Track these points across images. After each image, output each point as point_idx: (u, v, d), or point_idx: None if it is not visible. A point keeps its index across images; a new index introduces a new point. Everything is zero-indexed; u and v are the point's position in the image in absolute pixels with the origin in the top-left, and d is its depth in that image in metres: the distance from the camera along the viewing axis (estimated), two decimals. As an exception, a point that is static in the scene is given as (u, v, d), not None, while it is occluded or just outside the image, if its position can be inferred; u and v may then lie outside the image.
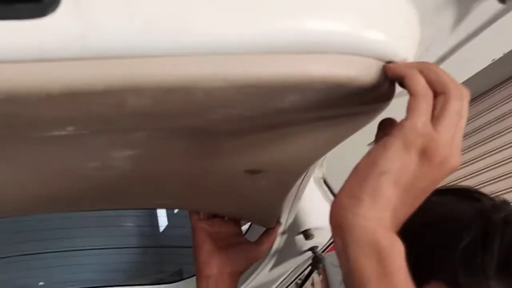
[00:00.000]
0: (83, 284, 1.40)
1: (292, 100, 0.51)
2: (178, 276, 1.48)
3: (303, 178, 1.00)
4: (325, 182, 1.11)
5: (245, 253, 0.97)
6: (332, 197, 1.15)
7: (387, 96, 0.58)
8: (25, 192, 0.73)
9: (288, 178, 0.87)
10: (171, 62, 0.42)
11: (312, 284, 4.94)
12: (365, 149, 0.56)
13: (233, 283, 0.94)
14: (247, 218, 1.08)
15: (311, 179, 1.09)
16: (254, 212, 1.02)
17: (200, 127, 0.59)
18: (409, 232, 0.50)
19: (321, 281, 4.78)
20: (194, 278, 1.44)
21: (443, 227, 0.69)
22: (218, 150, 0.69)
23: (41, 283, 1.34)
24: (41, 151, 0.58)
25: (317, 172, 1.10)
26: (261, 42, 0.45)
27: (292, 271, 1.31)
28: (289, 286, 1.38)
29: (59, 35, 0.36)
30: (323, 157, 1.07)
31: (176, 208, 1.02)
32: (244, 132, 0.62)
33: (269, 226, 1.06)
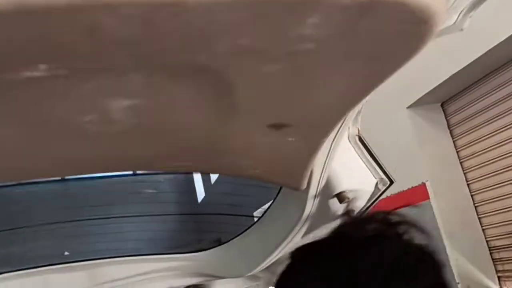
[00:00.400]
0: (122, 252, 1.37)
1: (316, 23, 0.41)
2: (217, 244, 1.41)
3: (336, 135, 0.89)
4: (360, 139, 1.01)
5: None
6: (368, 156, 1.04)
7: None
8: (26, 154, 0.66)
9: (317, 134, 0.77)
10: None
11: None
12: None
13: None
14: (274, 180, 0.99)
15: (345, 137, 0.99)
16: (282, 173, 0.92)
17: (208, 69, 0.49)
18: None
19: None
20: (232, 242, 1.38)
21: None
22: (234, 101, 0.59)
23: (66, 253, 1.31)
24: (30, 101, 0.50)
25: (352, 129, 0.99)
26: None
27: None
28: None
29: None
30: (357, 110, 0.96)
31: (196, 171, 0.93)
32: (261, 77, 0.52)
33: (299, 188, 0.97)
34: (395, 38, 0.48)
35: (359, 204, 1.09)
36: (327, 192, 1.03)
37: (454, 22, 0.71)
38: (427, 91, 3.74)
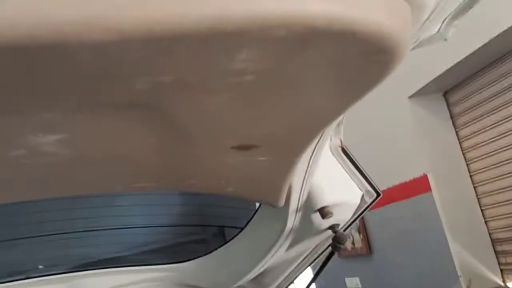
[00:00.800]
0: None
1: (248, 58, 0.34)
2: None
3: (314, 151, 0.83)
4: (344, 151, 0.94)
5: None
6: (353, 167, 0.97)
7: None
8: None
9: (289, 153, 0.70)
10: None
11: (353, 243, 4.81)
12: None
13: None
14: (249, 198, 0.92)
15: (327, 149, 0.92)
16: (256, 191, 0.86)
17: (139, 104, 0.43)
18: None
19: (362, 240, 4.64)
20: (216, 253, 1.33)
21: None
22: (184, 129, 0.53)
23: (40, 266, 1.26)
24: None
25: (334, 140, 0.92)
26: None
27: (311, 251, 1.16)
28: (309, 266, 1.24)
29: None
30: (338, 121, 0.89)
31: (163, 190, 0.87)
32: (207, 106, 0.46)
33: (277, 205, 0.90)
34: (352, 67, 0.41)
35: (344, 217, 1.03)
36: (309, 206, 0.97)
37: (438, 31, 0.63)
38: (429, 80, 3.65)
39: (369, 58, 0.38)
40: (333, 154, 0.94)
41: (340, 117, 0.88)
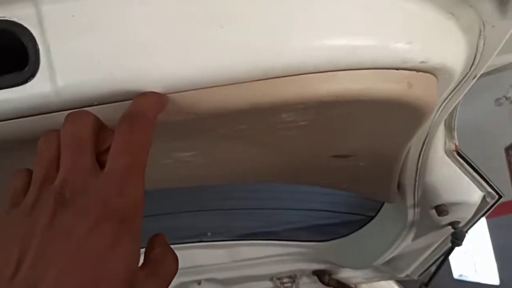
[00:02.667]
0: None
1: (291, 115, 0.50)
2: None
3: (420, 155, 0.91)
4: (459, 154, 0.99)
5: None
6: (471, 170, 1.02)
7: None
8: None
9: (386, 160, 0.81)
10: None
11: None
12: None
13: None
14: (363, 194, 1.04)
15: (441, 153, 0.99)
16: (367, 189, 0.98)
17: (238, 137, 0.61)
18: None
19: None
20: (351, 236, 1.48)
21: None
22: (277, 146, 0.69)
23: (209, 234, 1.56)
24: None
25: (448, 144, 0.98)
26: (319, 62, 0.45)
27: (440, 244, 1.22)
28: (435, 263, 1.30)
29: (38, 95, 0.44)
30: (451, 127, 0.95)
31: (286, 183, 1.05)
32: (281, 135, 0.61)
33: (390, 201, 1.01)
34: (388, 121, 0.53)
35: (464, 216, 1.08)
36: (426, 204, 1.05)
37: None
38: None
39: (401, 117, 0.52)
40: (449, 158, 1.00)
41: (452, 123, 0.95)
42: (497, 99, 4.77)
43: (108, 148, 0.41)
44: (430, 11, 0.48)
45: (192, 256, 1.53)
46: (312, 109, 0.48)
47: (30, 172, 0.41)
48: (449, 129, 0.96)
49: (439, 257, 1.27)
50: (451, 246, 1.12)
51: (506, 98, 4.70)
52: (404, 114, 0.52)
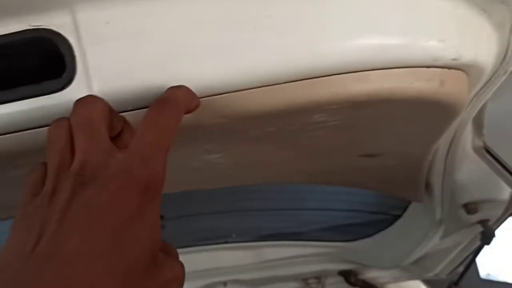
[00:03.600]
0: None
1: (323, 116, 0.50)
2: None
3: (448, 153, 0.90)
4: (488, 151, 0.97)
5: None
6: (500, 167, 1.00)
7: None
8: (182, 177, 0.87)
9: (414, 159, 0.81)
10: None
11: None
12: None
13: None
14: (390, 192, 1.04)
15: (469, 150, 0.97)
16: (394, 187, 0.97)
17: (269, 138, 0.61)
18: None
19: None
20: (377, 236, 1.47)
21: None
22: (308, 147, 0.69)
23: (233, 235, 1.56)
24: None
25: (476, 142, 0.97)
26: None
27: (469, 243, 1.21)
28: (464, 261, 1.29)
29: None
30: (480, 125, 0.94)
31: (316, 183, 1.05)
32: (311, 136, 0.62)
33: (418, 200, 1.00)
34: (420, 118, 0.53)
35: (494, 213, 1.06)
36: (454, 202, 1.04)
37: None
38: None
39: (432, 115, 0.52)
40: (477, 155, 0.99)
41: (481, 120, 0.94)
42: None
43: (120, 134, 0.41)
44: (462, 8, 0.47)
45: (217, 258, 1.54)
46: (344, 109, 0.48)
47: (45, 164, 0.40)
48: (478, 126, 0.94)
49: (468, 256, 1.25)
50: (481, 244, 1.11)
51: (531, 93, 4.61)
52: (435, 112, 0.52)
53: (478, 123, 0.94)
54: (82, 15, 0.44)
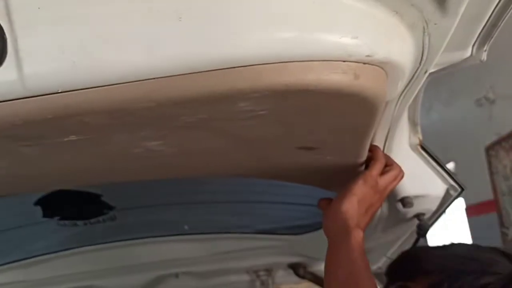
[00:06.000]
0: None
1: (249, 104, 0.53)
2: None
3: (383, 150, 0.95)
4: (423, 148, 1.03)
5: None
6: (435, 164, 1.07)
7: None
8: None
9: (350, 154, 0.85)
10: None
11: None
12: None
13: None
14: (333, 189, 1.08)
15: (406, 146, 1.03)
16: (337, 182, 1.02)
17: (200, 126, 0.64)
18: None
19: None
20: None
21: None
22: (242, 138, 0.72)
23: (186, 227, 1.59)
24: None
25: (412, 139, 1.03)
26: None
27: (406, 239, 1.27)
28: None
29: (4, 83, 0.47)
30: (415, 122, 1.00)
31: (258, 178, 1.08)
32: (243, 125, 0.64)
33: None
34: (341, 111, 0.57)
35: (429, 208, 1.12)
36: (392, 196, 1.09)
37: (471, 55, 0.72)
38: None
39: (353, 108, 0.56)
40: (413, 152, 1.05)
41: (415, 118, 1.00)
42: (477, 100, 4.85)
43: None
44: (376, 9, 0.51)
45: (169, 249, 1.56)
46: (266, 99, 0.51)
47: None
48: (413, 124, 1.00)
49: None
50: (416, 237, 1.17)
51: (486, 99, 4.79)
52: (354, 105, 0.56)
53: (413, 121, 1.00)
54: (14, 0, 0.46)
